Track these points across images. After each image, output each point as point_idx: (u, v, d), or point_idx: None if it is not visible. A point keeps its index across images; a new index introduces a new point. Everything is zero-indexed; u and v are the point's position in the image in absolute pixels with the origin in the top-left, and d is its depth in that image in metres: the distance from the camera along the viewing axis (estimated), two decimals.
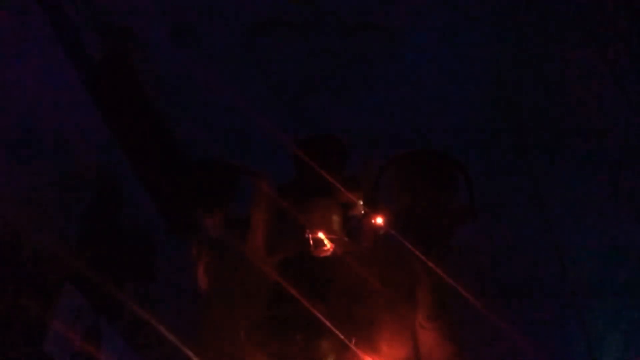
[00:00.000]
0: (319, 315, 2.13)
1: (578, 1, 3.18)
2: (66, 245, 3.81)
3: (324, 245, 2.67)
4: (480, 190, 2.55)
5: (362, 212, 2.84)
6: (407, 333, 2.40)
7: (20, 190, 3.85)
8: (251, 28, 4.02)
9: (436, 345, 2.39)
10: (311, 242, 2.54)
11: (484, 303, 2.45)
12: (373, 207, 2.75)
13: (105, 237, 4.03)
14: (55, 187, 3.91)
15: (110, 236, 4.08)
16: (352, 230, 2.84)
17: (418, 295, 2.42)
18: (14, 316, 3.30)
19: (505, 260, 4.68)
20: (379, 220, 2.70)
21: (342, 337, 2.17)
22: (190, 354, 2.51)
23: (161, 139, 4.47)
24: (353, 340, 2.20)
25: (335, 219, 2.83)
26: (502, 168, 4.62)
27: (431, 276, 2.38)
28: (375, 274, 2.48)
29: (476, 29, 4.03)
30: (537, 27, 3.72)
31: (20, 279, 3.59)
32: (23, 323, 3.30)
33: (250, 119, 3.83)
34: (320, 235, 2.67)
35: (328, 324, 2.14)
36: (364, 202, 2.84)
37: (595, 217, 3.06)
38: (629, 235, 2.77)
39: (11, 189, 3.82)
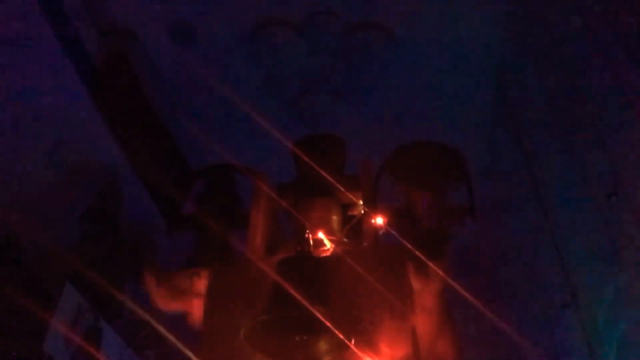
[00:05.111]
0: (319, 315, 2.13)
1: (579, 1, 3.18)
2: (66, 245, 3.81)
3: (324, 245, 2.67)
4: (479, 189, 2.55)
5: (362, 212, 2.84)
6: (407, 333, 2.40)
7: (20, 190, 3.85)
8: (251, 28, 4.02)
9: (435, 341, 2.39)
10: (311, 242, 2.54)
11: (484, 303, 2.45)
12: (373, 207, 2.75)
13: (105, 237, 4.03)
14: (55, 187, 3.91)
15: (110, 236, 4.08)
16: (352, 230, 2.84)
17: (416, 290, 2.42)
18: (14, 316, 3.30)
19: (506, 260, 4.69)
20: (379, 220, 2.70)
21: (341, 337, 2.17)
22: (190, 354, 2.52)
23: (161, 139, 4.47)
24: (353, 340, 2.20)
25: (335, 219, 2.83)
26: (503, 167, 4.62)
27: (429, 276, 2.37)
28: (375, 274, 2.48)
29: (476, 28, 4.03)
30: (538, 25, 3.72)
31: (20, 279, 3.59)
32: (23, 323, 3.30)
33: (250, 118, 3.83)
34: (320, 235, 2.67)
35: (327, 324, 2.14)
36: (364, 202, 2.83)
37: (595, 216, 3.05)
38: (630, 234, 2.76)
39: (11, 189, 3.82)
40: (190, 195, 3.25)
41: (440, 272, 2.31)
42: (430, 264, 2.33)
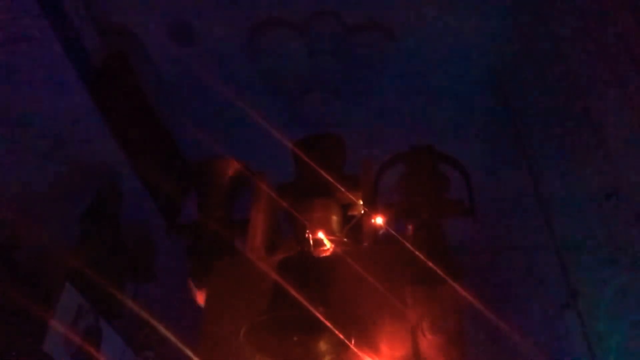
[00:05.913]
0: (319, 315, 2.13)
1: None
2: (66, 245, 3.81)
3: (324, 245, 2.67)
4: (479, 189, 2.55)
5: (362, 212, 2.83)
6: (407, 333, 2.39)
7: (20, 190, 3.85)
8: (251, 28, 4.02)
9: (438, 351, 2.38)
10: (311, 242, 2.54)
11: (484, 303, 2.45)
12: (373, 207, 2.75)
13: (105, 237, 4.03)
14: (55, 187, 3.91)
15: (110, 236, 4.07)
16: (352, 230, 2.84)
17: (417, 306, 2.41)
18: (14, 316, 3.30)
19: (505, 259, 4.69)
20: (379, 220, 2.70)
21: (341, 337, 2.17)
22: (190, 354, 2.52)
23: (161, 139, 4.47)
24: (353, 340, 2.20)
25: (335, 219, 2.83)
26: (503, 167, 4.62)
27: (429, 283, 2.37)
28: (375, 274, 2.47)
29: (476, 28, 4.03)
30: (538, 25, 3.72)
31: (20, 279, 3.59)
32: (23, 323, 3.30)
33: (250, 118, 3.83)
34: (320, 235, 2.67)
35: (327, 324, 2.14)
36: (363, 202, 2.83)
37: (595, 215, 3.05)
38: (630, 234, 2.76)
39: (11, 189, 3.82)
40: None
41: (441, 273, 2.30)
42: (430, 264, 2.33)
